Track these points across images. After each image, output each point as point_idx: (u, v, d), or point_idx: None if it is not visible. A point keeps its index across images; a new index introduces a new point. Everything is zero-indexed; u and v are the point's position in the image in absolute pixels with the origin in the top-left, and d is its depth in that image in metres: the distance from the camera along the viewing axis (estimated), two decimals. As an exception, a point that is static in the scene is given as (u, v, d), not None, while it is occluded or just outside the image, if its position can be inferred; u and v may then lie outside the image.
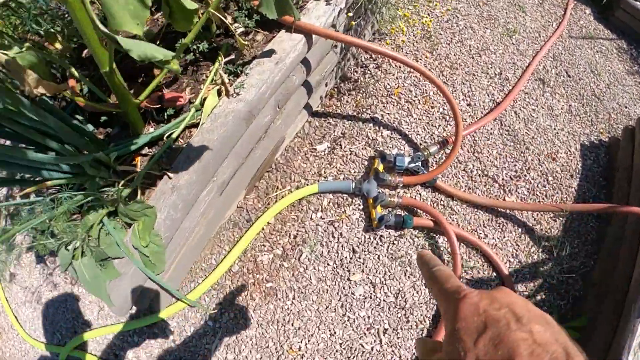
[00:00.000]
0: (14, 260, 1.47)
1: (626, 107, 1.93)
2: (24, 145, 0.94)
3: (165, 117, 1.18)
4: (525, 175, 1.44)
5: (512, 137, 1.48)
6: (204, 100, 1.13)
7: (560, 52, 1.90)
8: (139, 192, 1.08)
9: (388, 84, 1.40)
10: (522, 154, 1.47)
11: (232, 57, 1.24)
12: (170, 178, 1.04)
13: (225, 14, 1.29)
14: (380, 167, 1.25)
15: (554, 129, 1.61)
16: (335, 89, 1.39)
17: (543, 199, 1.46)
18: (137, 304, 1.10)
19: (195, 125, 1.13)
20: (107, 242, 1.04)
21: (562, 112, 1.68)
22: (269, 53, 1.15)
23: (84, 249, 1.05)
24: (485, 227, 1.34)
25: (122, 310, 1.04)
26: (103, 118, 1.15)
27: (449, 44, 1.58)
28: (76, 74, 1.08)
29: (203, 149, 1.04)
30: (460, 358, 0.25)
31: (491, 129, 1.46)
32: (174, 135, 1.09)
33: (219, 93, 1.13)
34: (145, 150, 1.20)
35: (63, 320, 1.33)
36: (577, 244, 1.45)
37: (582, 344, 1.16)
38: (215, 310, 1.23)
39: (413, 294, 1.26)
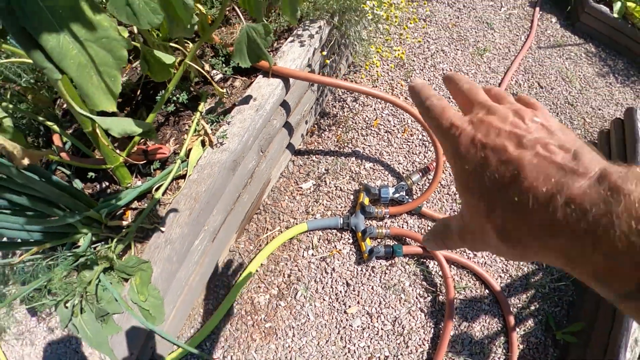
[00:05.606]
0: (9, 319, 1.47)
1: (600, 109, 1.97)
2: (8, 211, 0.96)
3: (152, 170, 1.21)
4: (507, 191, 1.49)
5: (491, 155, 1.52)
6: (188, 151, 1.16)
7: (530, 64, 1.97)
8: (132, 246, 1.10)
9: (367, 116, 1.44)
10: (502, 171, 1.51)
11: (212, 105, 1.27)
12: (162, 232, 1.06)
13: (202, 62, 1.33)
14: (366, 201, 1.28)
15: (531, 141, 1.66)
16: (316, 126, 1.43)
17: (527, 212, 1.50)
18: (139, 355, 1.11)
19: (182, 177, 1.16)
20: (106, 298, 1.05)
21: (538, 124, 1.74)
22: (248, 99, 1.18)
23: (83, 306, 1.07)
24: (473, 246, 1.37)
25: (128, 361, 1.05)
26: (90, 174, 1.18)
27: (422, 70, 1.63)
28: (58, 129, 1.11)
29: (192, 201, 1.07)
30: (472, 202, 0.24)
31: (470, 149, 1.51)
32: (162, 189, 1.11)
33: (203, 143, 1.16)
34: (135, 204, 1.22)
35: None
36: (565, 252, 1.49)
37: (581, 347, 1.17)
38: (218, 356, 1.24)
39: (410, 320, 1.29)
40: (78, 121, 0.87)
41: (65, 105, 1.35)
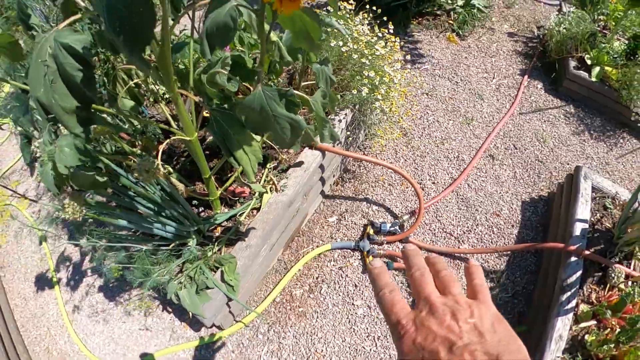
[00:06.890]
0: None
1: (568, 164, 2.26)
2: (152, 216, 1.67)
3: (236, 202, 1.89)
4: (474, 229, 2.08)
5: (465, 203, 2.12)
6: (261, 193, 1.85)
7: (510, 129, 2.46)
8: (223, 248, 1.78)
9: (376, 173, 2.09)
10: (472, 215, 2.11)
11: (275, 164, 1.96)
12: (244, 241, 1.74)
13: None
14: (371, 231, 1.93)
15: (499, 192, 2.23)
16: (340, 178, 2.10)
17: (489, 244, 2.08)
18: (214, 320, 1.78)
19: (256, 209, 1.83)
20: (201, 279, 1.74)
21: (508, 179, 2.29)
22: (300, 164, 1.85)
23: (185, 284, 1.76)
24: (445, 267, 1.97)
25: (209, 322, 1.71)
26: (195, 201, 1.88)
27: (420, 137, 2.25)
28: (171, 170, 1.81)
29: (264, 224, 1.74)
30: None
31: (449, 199, 2.11)
32: (244, 215, 1.80)
33: (270, 189, 1.84)
34: (223, 223, 1.91)
35: (135, 344, 1.71)
36: (519, 274, 2.02)
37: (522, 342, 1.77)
38: (265, 330, 1.91)
39: (396, 314, 1.90)
40: (201, 171, 1.55)
41: (161, 148, 2.07)
